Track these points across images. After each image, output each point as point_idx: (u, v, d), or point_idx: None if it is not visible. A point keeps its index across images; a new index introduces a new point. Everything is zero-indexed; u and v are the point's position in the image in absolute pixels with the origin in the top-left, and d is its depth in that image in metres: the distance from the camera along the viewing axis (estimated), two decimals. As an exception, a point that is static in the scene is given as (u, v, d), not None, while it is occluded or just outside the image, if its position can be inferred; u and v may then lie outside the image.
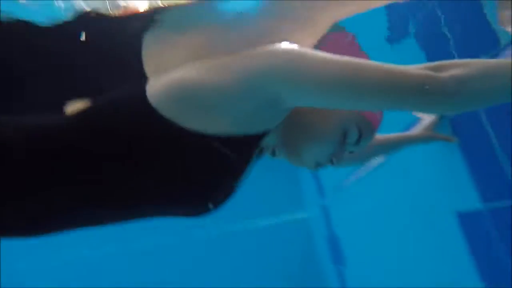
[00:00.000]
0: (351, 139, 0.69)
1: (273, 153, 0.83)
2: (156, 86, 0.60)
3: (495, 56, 0.80)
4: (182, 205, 0.65)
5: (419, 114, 1.10)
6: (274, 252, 3.79)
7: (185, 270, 3.64)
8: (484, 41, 0.83)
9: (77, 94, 0.64)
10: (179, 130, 0.57)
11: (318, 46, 0.69)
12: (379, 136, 1.04)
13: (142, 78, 0.64)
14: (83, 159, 0.58)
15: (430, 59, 0.76)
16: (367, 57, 0.69)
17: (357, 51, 0.71)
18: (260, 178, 3.97)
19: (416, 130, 1.07)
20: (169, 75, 0.61)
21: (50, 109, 0.62)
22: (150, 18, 0.74)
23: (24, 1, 0.69)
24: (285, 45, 0.59)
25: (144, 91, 0.59)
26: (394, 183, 1.56)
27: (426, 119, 1.08)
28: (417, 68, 0.57)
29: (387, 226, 1.70)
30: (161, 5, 0.74)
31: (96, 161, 0.59)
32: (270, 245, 3.80)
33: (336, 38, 0.73)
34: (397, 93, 0.56)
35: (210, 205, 0.72)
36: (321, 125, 0.68)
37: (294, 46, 0.58)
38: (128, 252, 3.80)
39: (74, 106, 0.62)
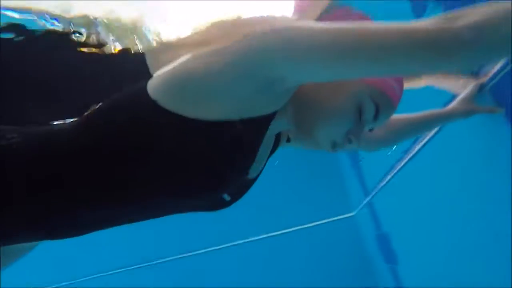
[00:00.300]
0: (368, 114, 0.65)
1: (288, 140, 0.79)
2: (155, 80, 0.60)
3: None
4: (195, 195, 0.63)
5: (453, 90, 0.99)
6: (325, 254, 3.70)
7: (247, 270, 3.68)
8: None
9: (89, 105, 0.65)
10: (180, 120, 0.56)
11: (322, 17, 0.65)
12: (410, 115, 0.95)
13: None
14: (93, 159, 0.58)
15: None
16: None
17: (366, 19, 0.65)
18: (305, 181, 3.97)
19: (454, 104, 0.97)
20: (167, 68, 0.61)
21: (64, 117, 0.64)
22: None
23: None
24: (275, 22, 0.55)
25: (145, 87, 0.60)
26: (438, 168, 1.42)
27: (463, 93, 0.97)
28: (427, 22, 0.49)
29: (438, 216, 1.56)
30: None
31: (105, 159, 0.59)
32: (320, 246, 3.72)
33: (342, 11, 0.68)
34: (410, 51, 0.49)
35: (226, 197, 0.69)
36: (331, 102, 0.64)
37: (285, 21, 0.55)
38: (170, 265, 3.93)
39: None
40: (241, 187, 0.74)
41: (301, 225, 3.82)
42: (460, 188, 1.28)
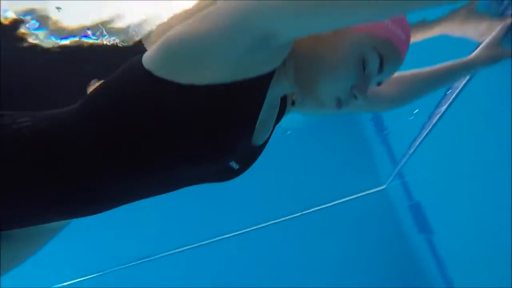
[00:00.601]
0: (372, 66, 0.60)
1: (293, 103, 0.75)
2: (149, 52, 0.59)
3: None
4: (201, 162, 0.61)
5: (475, 36, 0.88)
6: (358, 229, 3.66)
7: (283, 248, 3.72)
8: None
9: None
10: (175, 86, 0.55)
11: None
12: (425, 68, 0.86)
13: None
14: (99, 135, 0.59)
15: None
16: None
17: None
18: (333, 158, 3.89)
19: (478, 52, 0.86)
20: (160, 40, 0.58)
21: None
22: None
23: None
24: None
25: (140, 60, 0.59)
26: (469, 128, 1.32)
27: (488, 38, 0.86)
28: None
29: (472, 180, 1.46)
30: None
31: (110, 135, 0.59)
32: (353, 221, 3.68)
33: None
34: None
35: (234, 165, 0.68)
36: (331, 56, 0.59)
37: None
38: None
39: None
40: (249, 155, 0.71)
41: (332, 201, 3.78)
42: (495, 146, 1.17)
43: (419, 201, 2.44)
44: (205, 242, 4.03)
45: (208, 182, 0.73)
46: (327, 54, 0.59)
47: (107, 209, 0.69)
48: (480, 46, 0.86)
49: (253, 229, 3.94)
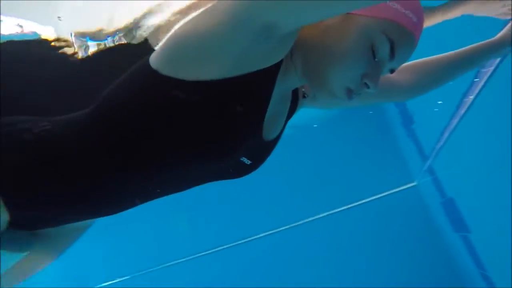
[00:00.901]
0: (383, 52, 0.57)
1: (304, 96, 0.73)
2: (155, 52, 0.61)
3: None
4: (211, 159, 0.62)
5: (498, 15, 0.79)
6: (390, 227, 3.54)
7: (314, 248, 3.65)
8: None
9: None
10: (182, 84, 0.56)
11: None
12: (445, 54, 0.79)
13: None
14: (113, 137, 0.61)
15: None
16: None
17: None
18: (361, 155, 3.82)
19: (503, 32, 0.78)
20: (164, 39, 0.63)
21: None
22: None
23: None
24: None
25: (147, 60, 0.61)
26: (501, 115, 1.21)
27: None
28: None
29: (507, 173, 1.35)
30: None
31: (122, 137, 0.61)
32: (384, 220, 3.57)
33: None
34: None
35: (246, 160, 0.68)
36: (339, 45, 0.58)
37: None
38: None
39: None
40: (261, 150, 0.71)
41: (360, 200, 3.68)
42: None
43: (453, 197, 2.31)
44: (238, 242, 4.07)
45: (222, 179, 0.73)
46: (334, 43, 0.58)
47: (123, 210, 0.72)
48: (506, 27, 0.78)
49: (278, 231, 3.92)
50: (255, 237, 3.93)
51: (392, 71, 0.61)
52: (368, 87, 0.59)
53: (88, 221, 0.80)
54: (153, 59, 0.60)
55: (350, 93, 0.60)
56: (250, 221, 3.92)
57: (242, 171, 0.72)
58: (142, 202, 0.72)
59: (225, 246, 4.03)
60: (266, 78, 0.58)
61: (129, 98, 0.60)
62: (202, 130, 0.58)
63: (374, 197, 3.63)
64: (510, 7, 0.79)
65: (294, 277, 3.74)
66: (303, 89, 0.75)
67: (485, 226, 1.92)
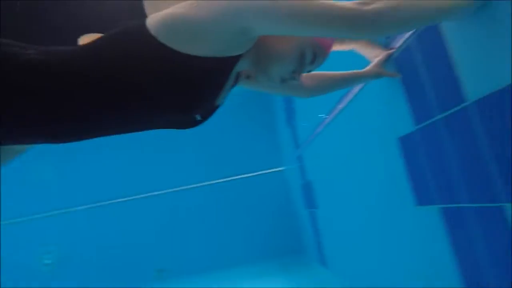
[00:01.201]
0: (308, 59, 0.87)
1: (248, 77, 0.98)
2: (155, 19, 0.73)
3: None
4: (174, 110, 0.77)
5: (370, 57, 1.23)
6: (256, 201, 4.11)
7: (184, 216, 4.02)
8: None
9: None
10: (175, 53, 0.70)
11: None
12: (336, 72, 1.18)
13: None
14: (98, 76, 0.70)
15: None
16: None
17: None
18: (247, 140, 4.29)
19: (368, 68, 1.21)
20: (165, 11, 0.74)
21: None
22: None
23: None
24: None
25: (144, 24, 0.72)
26: (351, 125, 1.71)
27: (376, 58, 1.21)
28: (350, 3, 0.71)
29: (348, 163, 1.87)
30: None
31: (105, 78, 0.70)
32: (253, 194, 4.09)
33: None
34: (335, 23, 0.71)
35: (197, 116, 0.86)
36: (284, 48, 0.84)
37: None
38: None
39: (86, 38, 0.74)
40: (210, 111, 0.89)
41: (237, 175, 4.15)
42: (363, 137, 1.57)
43: (310, 181, 2.89)
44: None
45: (173, 128, 0.90)
46: (281, 47, 0.84)
47: (81, 139, 0.81)
48: (371, 64, 1.21)
49: (169, 192, 4.14)
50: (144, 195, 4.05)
51: (309, 71, 0.93)
52: (294, 79, 0.89)
53: (25, 147, 0.85)
54: (153, 27, 0.71)
55: (283, 80, 0.88)
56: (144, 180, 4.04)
57: (192, 124, 0.89)
58: (100, 136, 0.82)
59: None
60: (232, 61, 0.76)
61: (124, 52, 0.70)
62: (176, 89, 0.72)
63: (247, 175, 4.14)
64: (375, 53, 1.22)
65: (172, 234, 3.98)
66: (246, 72, 0.98)
67: (328, 203, 2.52)
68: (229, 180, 4.11)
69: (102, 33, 0.76)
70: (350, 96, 1.61)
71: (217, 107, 0.91)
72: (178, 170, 4.15)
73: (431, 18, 0.77)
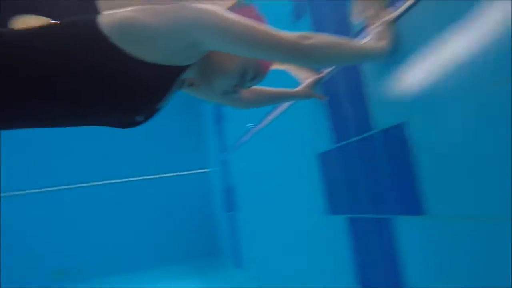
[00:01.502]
0: (249, 76, 0.94)
1: (191, 84, 1.02)
2: (109, 19, 0.72)
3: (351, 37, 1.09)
4: (117, 111, 0.78)
5: (302, 79, 1.37)
6: (177, 203, 4.07)
7: (98, 214, 3.81)
8: (341, 30, 1.12)
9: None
10: (124, 55, 0.71)
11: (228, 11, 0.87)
12: (272, 88, 1.29)
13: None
14: (38, 69, 0.68)
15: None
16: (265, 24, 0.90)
17: (258, 20, 0.92)
18: (177, 141, 4.25)
19: (299, 88, 1.35)
20: (122, 13, 0.74)
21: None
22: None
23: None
24: (209, 5, 0.76)
25: (96, 21, 0.71)
26: (277, 137, 1.85)
27: (308, 80, 1.36)
28: (292, 35, 0.81)
29: (270, 172, 2.01)
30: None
31: (48, 68, 0.68)
32: (174, 196, 4.06)
33: (243, 10, 0.92)
34: (277, 50, 0.80)
35: (138, 118, 0.87)
36: (229, 64, 0.90)
37: (216, 7, 0.77)
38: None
39: (23, 22, 0.70)
40: (152, 113, 0.91)
41: (163, 174, 4.08)
42: (286, 149, 1.72)
43: (233, 184, 2.99)
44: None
45: (110, 126, 0.89)
46: (226, 63, 0.90)
47: (15, 128, 0.78)
48: (302, 85, 1.35)
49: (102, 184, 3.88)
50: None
51: (248, 87, 1.00)
52: (235, 92, 0.95)
53: None
54: (106, 26, 0.70)
55: (225, 92, 0.94)
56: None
57: (131, 125, 0.89)
58: (45, 127, 0.80)
59: None
60: (179, 69, 0.79)
61: (71, 45, 0.69)
62: (121, 91, 0.73)
63: (172, 174, 4.10)
64: (305, 76, 1.37)
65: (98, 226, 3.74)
66: (191, 80, 1.02)
67: (247, 209, 2.64)
68: (148, 179, 4.00)
69: (36, 15, 0.74)
70: (279, 110, 1.75)
71: (158, 110, 0.94)
72: (95, 164, 3.91)
73: (353, 61, 0.98)
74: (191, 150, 4.24)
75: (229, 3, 0.89)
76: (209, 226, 3.99)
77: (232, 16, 0.78)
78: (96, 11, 0.71)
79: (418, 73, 0.85)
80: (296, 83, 1.37)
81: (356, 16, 1.01)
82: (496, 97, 0.66)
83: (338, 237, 1.28)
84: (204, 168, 4.22)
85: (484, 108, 0.69)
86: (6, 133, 3.54)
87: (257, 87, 1.21)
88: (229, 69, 0.90)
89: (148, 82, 0.76)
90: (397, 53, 0.91)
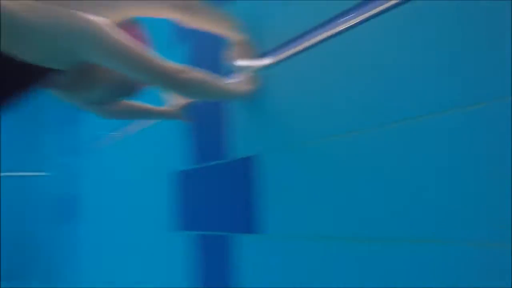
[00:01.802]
0: (122, 92, 0.98)
1: (61, 87, 0.96)
2: None
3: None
4: None
5: (173, 101, 1.45)
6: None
7: None
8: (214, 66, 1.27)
9: None
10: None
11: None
12: (140, 103, 1.31)
13: None
14: None
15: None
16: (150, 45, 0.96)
17: (144, 41, 0.97)
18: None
19: (169, 108, 1.41)
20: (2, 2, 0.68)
21: None
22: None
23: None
24: (100, 19, 0.77)
25: None
26: (137, 150, 1.85)
27: (178, 103, 1.44)
28: (172, 66, 0.88)
29: (125, 184, 1.96)
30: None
31: None
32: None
33: (128, 27, 0.93)
34: (154, 76, 0.86)
35: None
36: (107, 77, 0.92)
37: (102, 21, 0.78)
38: None
39: None
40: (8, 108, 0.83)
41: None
42: (149, 172, 1.73)
43: (77, 193, 2.72)
44: None
45: None
46: (105, 76, 0.91)
47: None
48: (172, 106, 1.42)
49: None
50: None
51: (120, 101, 1.03)
52: (107, 104, 0.99)
53: None
54: None
55: (98, 103, 0.97)
56: None
57: None
58: None
59: None
60: (48, 71, 0.77)
61: None
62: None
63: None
64: (180, 103, 1.45)
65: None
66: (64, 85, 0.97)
67: (91, 219, 2.45)
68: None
69: None
70: (145, 124, 1.76)
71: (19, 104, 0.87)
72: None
73: (220, 98, 1.19)
74: (28, 152, 3.66)
75: (122, 16, 0.90)
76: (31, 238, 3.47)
77: (119, 35, 0.80)
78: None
79: (277, 117, 1.04)
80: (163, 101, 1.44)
81: (229, 58, 1.16)
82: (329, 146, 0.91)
83: (188, 251, 1.38)
84: (41, 172, 3.69)
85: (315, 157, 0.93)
86: None
87: (132, 102, 1.23)
88: (106, 82, 0.92)
89: (15, 75, 0.72)
90: (264, 95, 1.09)
